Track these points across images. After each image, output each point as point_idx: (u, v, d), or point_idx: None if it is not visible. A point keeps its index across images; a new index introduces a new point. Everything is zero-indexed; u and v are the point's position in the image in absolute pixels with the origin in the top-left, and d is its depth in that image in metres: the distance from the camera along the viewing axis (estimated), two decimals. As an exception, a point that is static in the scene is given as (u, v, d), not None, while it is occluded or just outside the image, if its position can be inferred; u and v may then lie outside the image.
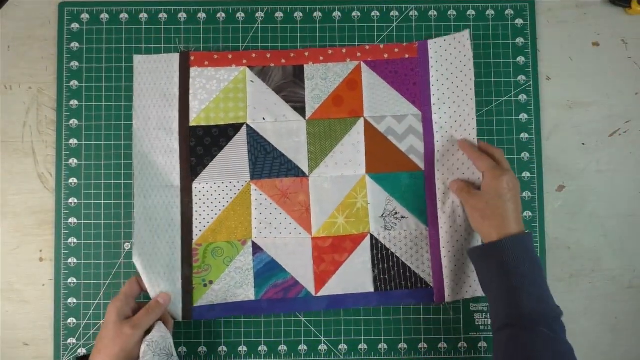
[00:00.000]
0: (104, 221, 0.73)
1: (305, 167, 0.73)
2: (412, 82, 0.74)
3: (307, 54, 0.74)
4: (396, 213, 0.73)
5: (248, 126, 0.73)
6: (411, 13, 0.75)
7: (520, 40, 0.75)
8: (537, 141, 0.74)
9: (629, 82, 0.76)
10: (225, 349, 0.72)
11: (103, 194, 0.73)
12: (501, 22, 0.75)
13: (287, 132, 0.73)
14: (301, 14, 0.75)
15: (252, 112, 0.73)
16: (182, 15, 0.75)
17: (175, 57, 0.74)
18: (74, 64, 0.74)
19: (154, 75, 0.73)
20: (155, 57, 0.74)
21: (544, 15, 0.76)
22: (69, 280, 0.72)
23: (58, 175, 0.73)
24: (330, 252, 0.72)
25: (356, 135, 0.73)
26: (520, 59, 0.75)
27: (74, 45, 0.74)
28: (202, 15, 0.75)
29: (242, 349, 0.72)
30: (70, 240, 0.72)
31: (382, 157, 0.73)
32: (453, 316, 0.73)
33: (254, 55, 0.74)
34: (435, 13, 0.75)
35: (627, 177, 0.75)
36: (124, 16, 0.75)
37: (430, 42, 0.74)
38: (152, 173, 0.72)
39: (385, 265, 0.72)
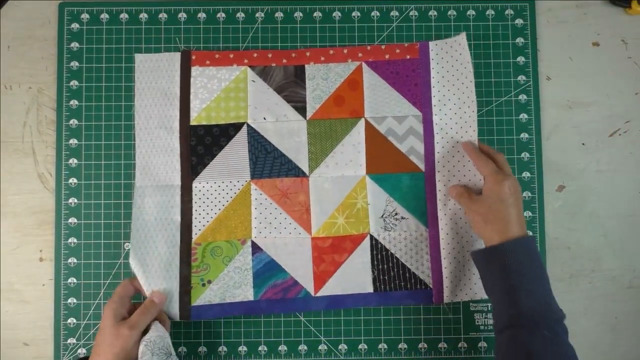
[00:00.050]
0: (104, 221, 0.73)
1: (305, 167, 0.73)
2: (414, 82, 0.74)
3: (308, 54, 0.74)
4: (396, 214, 0.73)
5: (249, 126, 0.73)
6: (411, 13, 0.75)
7: (520, 40, 0.75)
8: (537, 141, 0.74)
9: (629, 82, 0.76)
10: (225, 349, 0.72)
11: (103, 194, 0.73)
12: (501, 22, 0.75)
13: (288, 132, 0.73)
14: (301, 14, 0.75)
15: (253, 112, 0.73)
16: (182, 15, 0.75)
17: (177, 56, 0.74)
18: (74, 64, 0.74)
19: (155, 74, 0.73)
20: (157, 56, 0.74)
21: (544, 15, 0.76)
22: (69, 280, 0.72)
23: (58, 175, 0.73)
24: (330, 253, 0.72)
25: (357, 136, 0.73)
26: (520, 59, 0.75)
27: (74, 45, 0.74)
28: (202, 15, 0.75)
29: (242, 349, 0.72)
30: (70, 240, 0.72)
31: (383, 158, 0.73)
32: (453, 316, 0.73)
33: (255, 54, 0.74)
34: (435, 13, 0.75)
35: (627, 177, 0.75)
36: (124, 16, 0.75)
37: (432, 44, 0.74)
38: (153, 171, 0.72)
39: (385, 266, 0.72)
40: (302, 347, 0.72)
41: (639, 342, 0.74)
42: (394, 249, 0.72)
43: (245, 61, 0.74)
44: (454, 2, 0.75)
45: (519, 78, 0.75)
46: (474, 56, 0.74)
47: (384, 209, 0.73)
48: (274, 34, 0.75)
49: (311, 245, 0.72)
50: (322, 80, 0.73)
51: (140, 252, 0.70)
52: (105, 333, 0.61)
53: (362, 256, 0.72)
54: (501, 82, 0.75)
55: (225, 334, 0.72)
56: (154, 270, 0.69)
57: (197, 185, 0.72)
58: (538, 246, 0.73)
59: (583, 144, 0.76)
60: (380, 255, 0.72)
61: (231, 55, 0.74)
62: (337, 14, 0.75)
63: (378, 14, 0.75)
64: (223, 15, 0.75)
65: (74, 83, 0.74)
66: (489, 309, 0.73)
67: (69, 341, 0.71)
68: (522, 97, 0.75)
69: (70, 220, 0.72)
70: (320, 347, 0.72)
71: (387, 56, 0.74)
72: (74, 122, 0.73)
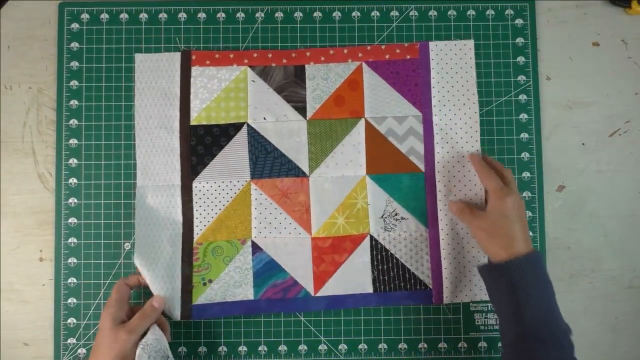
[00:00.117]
0: (104, 221, 0.73)
1: (305, 167, 0.73)
2: (414, 83, 0.74)
3: (308, 54, 0.74)
4: (396, 214, 0.73)
5: (249, 126, 0.73)
6: (411, 13, 0.75)
7: (520, 40, 0.75)
8: (537, 141, 0.74)
9: (629, 82, 0.76)
10: (225, 349, 0.72)
11: (103, 194, 0.73)
12: (501, 22, 0.75)
13: (288, 132, 0.73)
14: (301, 14, 0.75)
15: (253, 112, 0.73)
16: (182, 15, 0.75)
17: (177, 56, 0.74)
18: (74, 64, 0.74)
19: (155, 73, 0.73)
20: (157, 55, 0.74)
21: (544, 15, 0.76)
22: (69, 280, 0.72)
23: (58, 175, 0.73)
24: (329, 253, 0.72)
25: (357, 136, 0.73)
26: (520, 59, 0.75)
27: (74, 45, 0.74)
28: (202, 15, 0.75)
29: (242, 349, 0.72)
30: (70, 240, 0.72)
31: (383, 158, 0.73)
32: (453, 316, 0.73)
33: (255, 54, 0.74)
34: (435, 13, 0.75)
35: (627, 177, 0.75)
36: (124, 16, 0.75)
37: (432, 44, 0.74)
38: (153, 171, 0.72)
39: (385, 266, 0.72)
40: (302, 347, 0.72)
41: (639, 342, 0.74)
42: (394, 249, 0.72)
43: (245, 61, 0.74)
44: (454, 2, 0.75)
45: (519, 78, 0.75)
46: (474, 56, 0.74)
47: (384, 209, 0.73)
48: (274, 34, 0.75)
49: (311, 245, 0.72)
50: (322, 80, 0.73)
51: (144, 251, 0.70)
52: (104, 336, 0.61)
53: (362, 256, 0.72)
54: (501, 82, 0.75)
55: (225, 334, 0.72)
56: (157, 270, 0.70)
57: (197, 185, 0.72)
58: (538, 246, 0.73)
59: (583, 144, 0.76)
60: (380, 256, 0.72)
61: (231, 55, 0.74)
62: (337, 14, 0.75)
63: (378, 14, 0.75)
64: (223, 15, 0.75)
65: (74, 83, 0.74)
66: (489, 309, 0.73)
67: (69, 341, 0.72)
68: (522, 97, 0.75)
69: (70, 220, 0.72)
70: (320, 347, 0.72)
71: (387, 56, 0.74)
72: (74, 122, 0.73)
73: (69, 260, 0.72)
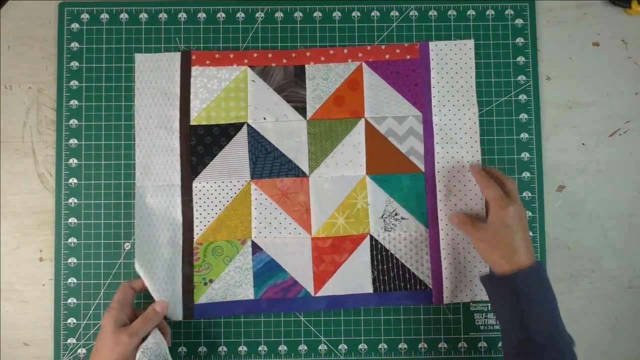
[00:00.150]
0: (104, 221, 0.73)
1: (305, 167, 0.73)
2: (414, 83, 0.74)
3: (308, 54, 0.74)
4: (396, 214, 0.73)
5: (249, 126, 0.73)
6: (411, 13, 0.75)
7: (520, 40, 0.75)
8: (537, 141, 0.74)
9: (629, 82, 0.76)
10: (225, 349, 0.72)
11: (103, 194, 0.73)
12: (501, 22, 0.75)
13: (288, 132, 0.73)
14: (301, 14, 0.75)
15: (253, 112, 0.73)
16: (182, 15, 0.75)
17: (177, 56, 0.74)
18: (74, 64, 0.74)
19: (155, 73, 0.73)
20: (157, 55, 0.74)
21: (544, 15, 0.76)
22: (69, 280, 0.72)
23: (58, 175, 0.73)
24: (329, 253, 0.72)
25: (357, 136, 0.73)
26: (520, 59, 0.75)
27: (74, 45, 0.74)
28: (202, 15, 0.75)
29: (242, 349, 0.72)
30: (70, 240, 0.72)
31: (383, 158, 0.73)
32: (453, 316, 0.73)
33: (255, 54, 0.74)
34: (435, 13, 0.75)
35: (627, 177, 0.75)
36: (124, 16, 0.75)
37: (432, 44, 0.74)
38: (153, 171, 0.72)
39: (385, 266, 0.72)
40: (302, 347, 0.72)
41: (639, 342, 0.74)
42: (394, 250, 0.72)
43: (245, 61, 0.74)
44: (454, 2, 0.75)
45: (519, 78, 0.75)
46: (474, 56, 0.74)
47: (384, 209, 0.73)
48: (274, 34, 0.75)
49: (311, 246, 0.72)
50: (322, 80, 0.73)
51: (144, 252, 0.70)
52: (105, 339, 0.61)
53: (362, 256, 0.72)
54: (501, 82, 0.75)
55: (225, 334, 0.72)
56: (157, 270, 0.70)
57: (197, 185, 0.72)
58: (538, 246, 0.73)
59: (583, 144, 0.76)
60: (380, 256, 0.72)
61: (231, 55, 0.74)
62: (337, 14, 0.75)
63: (378, 14, 0.75)
64: (223, 15, 0.75)
65: (74, 83, 0.74)
66: (489, 309, 0.73)
67: (69, 341, 0.72)
68: (522, 97, 0.75)
69: (70, 220, 0.72)
70: (320, 347, 0.72)
71: (387, 56, 0.74)
72: (74, 122, 0.73)
73: (69, 260, 0.72)
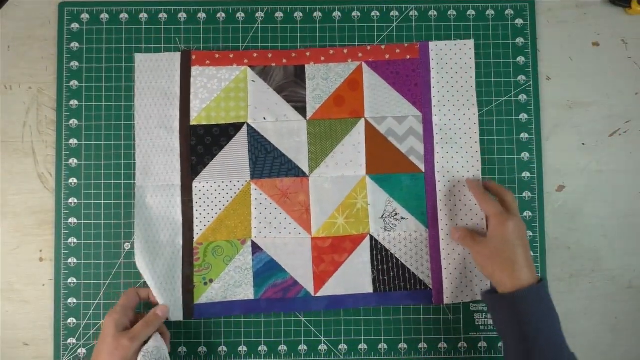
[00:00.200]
0: (104, 221, 0.73)
1: (305, 167, 0.73)
2: (414, 83, 0.74)
3: (308, 54, 0.74)
4: (396, 214, 0.73)
5: (249, 126, 0.73)
6: (411, 13, 0.75)
7: (520, 40, 0.75)
8: (537, 141, 0.74)
9: (629, 82, 0.76)
10: (225, 349, 0.72)
11: (103, 194, 0.73)
12: (501, 22, 0.75)
13: (288, 132, 0.73)
14: (301, 14, 0.75)
15: (253, 112, 0.73)
16: (182, 15, 0.75)
17: (177, 56, 0.74)
18: (74, 64, 0.74)
19: (155, 73, 0.73)
20: (157, 55, 0.74)
21: (544, 15, 0.76)
22: (69, 280, 0.72)
23: (58, 175, 0.73)
24: (329, 253, 0.72)
25: (357, 136, 0.73)
26: (520, 59, 0.75)
27: (74, 45, 0.74)
28: (202, 15, 0.75)
29: (242, 349, 0.72)
30: (70, 240, 0.72)
31: (383, 158, 0.73)
32: (453, 316, 0.73)
33: (255, 54, 0.74)
34: (435, 13, 0.75)
35: (627, 177, 0.75)
36: (124, 16, 0.75)
37: (432, 44, 0.74)
38: (153, 171, 0.72)
39: (385, 266, 0.72)
40: (302, 347, 0.72)
41: (639, 342, 0.74)
42: (394, 250, 0.72)
43: (245, 61, 0.74)
44: (454, 2, 0.75)
45: (519, 78, 0.75)
46: (475, 56, 0.74)
47: (384, 209, 0.73)
48: (274, 34, 0.75)
49: (311, 245, 0.72)
50: (322, 80, 0.73)
51: (144, 252, 0.70)
52: (106, 342, 0.61)
53: (362, 256, 0.72)
54: (501, 82, 0.75)
55: (225, 334, 0.72)
56: (157, 270, 0.70)
57: (197, 185, 0.72)
58: (538, 246, 0.73)
59: (583, 144, 0.76)
60: (380, 256, 0.72)
61: (231, 55, 0.74)
62: (337, 14, 0.75)
63: (378, 14, 0.75)
64: (223, 15, 0.75)
65: (74, 83, 0.74)
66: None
67: (69, 341, 0.72)
68: (522, 97, 0.75)
69: (70, 220, 0.72)
70: (320, 347, 0.72)
71: (387, 56, 0.74)
72: (74, 122, 0.73)
73: (69, 260, 0.72)
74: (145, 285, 0.70)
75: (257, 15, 0.75)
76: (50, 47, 0.75)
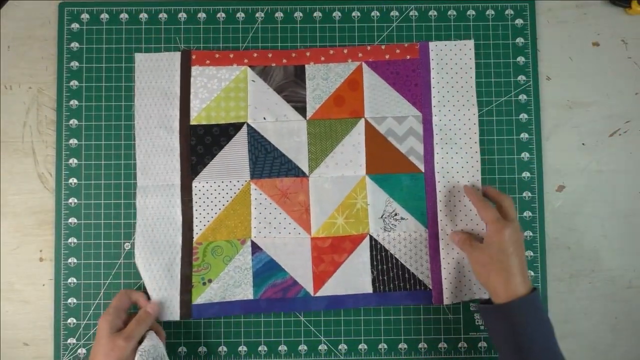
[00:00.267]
0: (104, 221, 0.73)
1: (305, 167, 0.73)
2: (414, 83, 0.74)
3: (308, 54, 0.74)
4: (396, 214, 0.73)
5: (249, 125, 0.73)
6: (411, 13, 0.75)
7: (520, 40, 0.75)
8: (537, 141, 0.74)
9: (629, 82, 0.76)
10: (225, 349, 0.72)
11: (103, 194, 0.73)
12: (501, 22, 0.75)
13: (288, 132, 0.73)
14: (301, 14, 0.75)
15: (253, 112, 0.73)
16: (182, 15, 0.75)
17: (177, 55, 0.74)
18: (74, 64, 0.74)
19: (155, 73, 0.73)
20: (157, 55, 0.74)
21: (544, 15, 0.76)
22: (69, 280, 0.72)
23: (58, 175, 0.73)
24: (329, 253, 0.72)
25: (357, 136, 0.73)
26: (520, 59, 0.75)
27: (74, 45, 0.74)
28: (202, 15, 0.75)
29: (242, 349, 0.72)
30: (70, 240, 0.72)
31: (383, 158, 0.73)
32: (453, 316, 0.73)
33: (255, 54, 0.74)
34: (435, 13, 0.75)
35: (627, 177, 0.75)
36: (124, 16, 0.75)
37: (432, 44, 0.74)
38: (153, 171, 0.72)
39: (384, 266, 0.72)
40: (302, 347, 0.72)
41: (639, 342, 0.74)
42: (394, 250, 0.72)
43: (245, 61, 0.74)
44: (454, 2, 0.75)
45: (519, 78, 0.75)
46: (475, 56, 0.74)
47: (384, 210, 0.73)
48: (274, 34, 0.75)
49: (311, 245, 0.72)
50: (322, 80, 0.73)
51: (144, 252, 0.70)
52: (101, 344, 0.61)
53: (361, 256, 0.72)
54: (501, 82, 0.75)
55: (225, 334, 0.72)
56: (156, 270, 0.70)
57: (197, 184, 0.72)
58: (538, 246, 0.73)
59: (583, 144, 0.76)
60: (380, 256, 0.72)
61: (231, 55, 0.74)
62: (337, 14, 0.75)
63: (378, 14, 0.75)
64: (223, 15, 0.75)
65: (74, 83, 0.74)
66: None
67: (69, 341, 0.72)
68: (522, 97, 0.75)
69: (70, 220, 0.72)
70: (320, 347, 0.72)
71: (387, 56, 0.74)
72: (74, 122, 0.73)
73: (69, 260, 0.72)
74: (145, 285, 0.70)
75: (257, 15, 0.75)
76: (50, 47, 0.75)
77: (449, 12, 0.75)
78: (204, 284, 0.71)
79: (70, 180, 0.73)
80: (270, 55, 0.74)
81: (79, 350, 0.71)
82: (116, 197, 0.73)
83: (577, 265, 0.75)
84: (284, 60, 0.74)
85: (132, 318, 0.65)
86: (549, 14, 0.76)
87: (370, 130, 0.73)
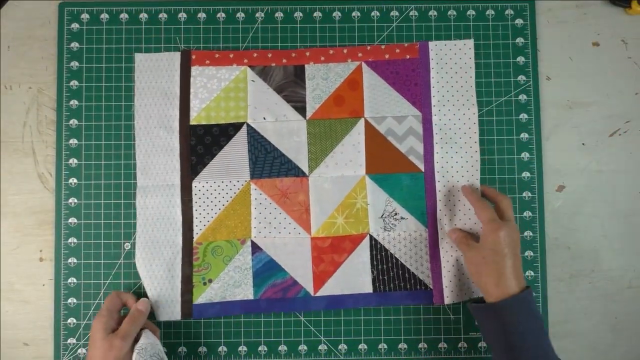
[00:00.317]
0: (104, 221, 0.73)
1: (305, 167, 0.73)
2: (414, 82, 0.74)
3: (308, 53, 0.74)
4: (396, 214, 0.73)
5: (248, 125, 0.73)
6: (411, 13, 0.75)
7: (520, 40, 0.75)
8: (537, 141, 0.74)
9: (629, 82, 0.76)
10: (225, 349, 0.72)
11: (103, 194, 0.73)
12: (501, 22, 0.75)
13: (288, 132, 0.73)
14: (301, 14, 0.75)
15: (253, 112, 0.73)
16: (182, 15, 0.75)
17: (177, 55, 0.74)
18: (74, 64, 0.74)
19: (155, 73, 0.73)
20: (157, 55, 0.74)
21: (544, 15, 0.76)
22: (69, 280, 0.72)
23: (58, 175, 0.73)
24: (329, 252, 0.72)
25: (356, 136, 0.73)
26: (520, 59, 0.75)
27: (74, 45, 0.74)
28: (202, 15, 0.75)
29: (242, 349, 0.72)
30: (70, 240, 0.72)
31: (382, 158, 0.73)
32: (453, 316, 0.73)
33: (255, 54, 0.74)
34: (435, 13, 0.75)
35: (627, 177, 0.75)
36: (124, 16, 0.75)
37: (431, 44, 0.74)
38: (153, 171, 0.72)
39: (385, 266, 0.72)
40: (302, 347, 0.72)
41: (639, 342, 0.74)
42: (394, 249, 0.72)
43: (245, 61, 0.74)
44: (454, 2, 0.75)
45: (519, 78, 0.75)
46: (475, 56, 0.74)
47: (384, 209, 0.73)
48: (274, 34, 0.75)
49: (311, 245, 0.72)
50: (322, 80, 0.73)
51: (144, 252, 0.70)
52: (97, 346, 0.61)
53: (361, 256, 0.72)
54: (501, 82, 0.75)
55: (225, 334, 0.72)
56: (157, 270, 0.70)
57: (196, 184, 0.72)
58: (538, 246, 0.73)
59: (583, 144, 0.76)
60: (380, 256, 0.72)
61: (231, 55, 0.74)
62: (337, 14, 0.75)
63: (378, 14, 0.75)
64: (223, 15, 0.75)
65: (74, 83, 0.74)
66: None
67: (69, 341, 0.72)
68: (522, 97, 0.75)
69: (70, 220, 0.72)
70: (320, 347, 0.72)
71: (387, 56, 0.74)
72: (74, 122, 0.73)
73: (69, 260, 0.72)
74: (144, 285, 0.70)
75: (257, 15, 0.75)
76: (50, 47, 0.75)
77: (449, 12, 0.75)
78: (205, 283, 0.71)
79: (70, 180, 0.73)
80: (270, 55, 0.74)
81: (79, 350, 0.71)
82: (116, 197, 0.73)
83: (577, 265, 0.75)
84: (284, 60, 0.74)
85: (123, 320, 0.65)
86: (549, 14, 0.76)
87: (370, 130, 0.73)
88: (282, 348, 0.72)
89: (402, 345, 0.73)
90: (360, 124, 0.73)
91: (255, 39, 0.75)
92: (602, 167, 0.75)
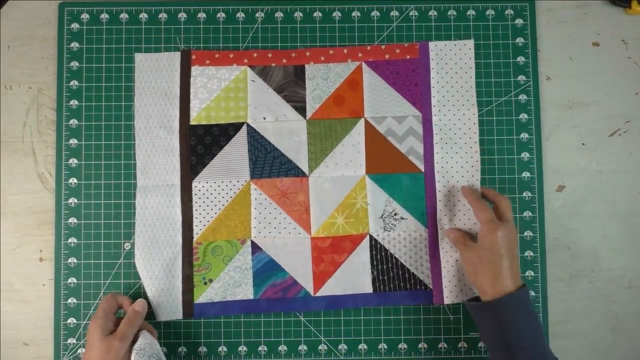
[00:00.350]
0: (104, 221, 0.73)
1: (305, 167, 0.73)
2: (414, 83, 0.74)
3: (308, 53, 0.74)
4: (396, 214, 0.73)
5: (248, 125, 0.73)
6: (411, 13, 0.75)
7: (520, 40, 0.75)
8: (537, 141, 0.74)
9: (629, 82, 0.76)
10: (225, 349, 0.72)
11: (103, 194, 0.73)
12: (501, 22, 0.75)
13: (288, 132, 0.73)
14: (301, 14, 0.75)
15: (253, 112, 0.73)
16: (182, 15, 0.75)
17: (177, 55, 0.74)
18: (74, 64, 0.74)
19: (155, 73, 0.73)
20: (157, 55, 0.74)
21: (544, 15, 0.76)
22: (69, 280, 0.72)
23: (58, 175, 0.73)
24: (329, 253, 0.72)
25: (356, 136, 0.73)
26: (520, 59, 0.75)
27: (74, 45, 0.74)
28: (202, 15, 0.75)
29: (242, 349, 0.72)
30: (70, 240, 0.72)
31: (382, 158, 0.73)
32: (453, 316, 0.73)
33: (255, 54, 0.74)
34: (435, 13, 0.75)
35: (627, 177, 0.75)
36: (124, 16, 0.75)
37: (432, 44, 0.74)
38: (153, 171, 0.72)
39: (384, 266, 0.72)
40: (302, 347, 0.72)
41: (639, 342, 0.74)
42: (394, 249, 0.72)
43: (245, 61, 0.74)
44: (454, 2, 0.75)
45: (519, 78, 0.75)
46: (475, 56, 0.74)
47: (384, 209, 0.73)
48: (274, 34, 0.75)
49: (311, 245, 0.72)
50: (322, 80, 0.73)
51: (144, 252, 0.70)
52: (94, 348, 0.61)
53: (361, 256, 0.72)
54: (501, 82, 0.75)
55: (225, 334, 0.72)
56: (157, 270, 0.70)
57: (196, 184, 0.72)
58: (538, 246, 0.73)
59: (583, 144, 0.76)
60: (380, 256, 0.72)
61: (231, 55, 0.74)
62: (337, 14, 0.75)
63: (378, 14, 0.75)
64: (223, 15, 0.75)
65: (74, 83, 0.74)
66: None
67: (69, 341, 0.72)
68: (522, 97, 0.75)
69: (70, 220, 0.72)
70: (320, 347, 0.72)
71: (387, 56, 0.74)
72: (74, 122, 0.73)
73: (69, 260, 0.72)
74: (144, 285, 0.70)
75: (257, 15, 0.75)
76: (50, 47, 0.75)
77: (449, 12, 0.75)
78: (205, 283, 0.71)
79: (70, 180, 0.73)
80: (270, 55, 0.74)
81: (79, 350, 0.71)
82: (116, 197, 0.73)
83: (577, 265, 0.75)
84: (284, 60, 0.74)
85: (119, 322, 0.65)
86: (549, 14, 0.76)
87: (370, 130, 0.73)
88: (282, 348, 0.72)
89: (402, 345, 0.73)
90: (360, 124, 0.73)
91: (255, 39, 0.75)
92: (602, 167, 0.75)
